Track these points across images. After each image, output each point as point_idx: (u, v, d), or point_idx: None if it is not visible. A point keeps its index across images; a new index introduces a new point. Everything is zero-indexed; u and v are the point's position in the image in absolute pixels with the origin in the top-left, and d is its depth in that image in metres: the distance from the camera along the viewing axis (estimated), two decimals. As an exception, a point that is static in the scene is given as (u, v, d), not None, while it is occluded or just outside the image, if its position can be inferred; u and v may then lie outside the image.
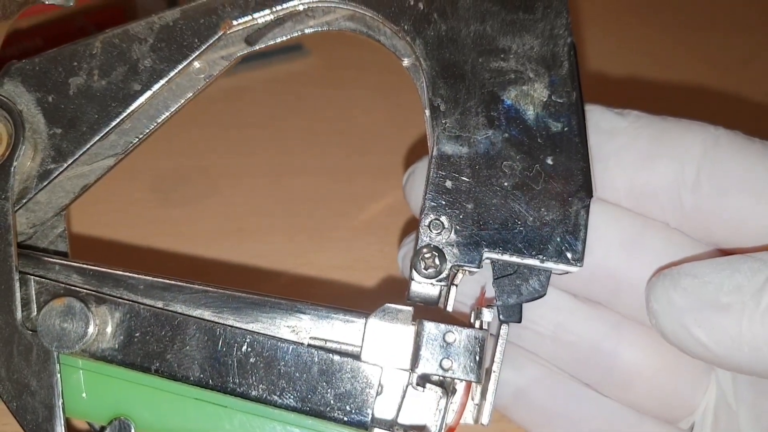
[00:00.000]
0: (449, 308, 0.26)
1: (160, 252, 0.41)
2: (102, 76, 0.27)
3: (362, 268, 0.41)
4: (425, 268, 0.24)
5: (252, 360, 0.25)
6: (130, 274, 0.26)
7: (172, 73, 0.27)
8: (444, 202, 0.25)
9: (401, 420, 0.24)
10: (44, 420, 0.25)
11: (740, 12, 0.61)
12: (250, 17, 0.27)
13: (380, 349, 0.24)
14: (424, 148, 0.26)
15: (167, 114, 0.28)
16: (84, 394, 0.25)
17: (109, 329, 0.25)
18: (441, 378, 0.24)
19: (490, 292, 0.25)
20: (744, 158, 0.25)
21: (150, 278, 0.26)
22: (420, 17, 0.26)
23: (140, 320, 0.25)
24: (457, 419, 0.25)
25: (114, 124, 0.27)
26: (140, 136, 0.28)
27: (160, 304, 0.26)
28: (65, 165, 0.27)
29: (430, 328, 0.24)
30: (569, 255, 0.24)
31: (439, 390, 0.24)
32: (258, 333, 0.25)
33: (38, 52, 0.27)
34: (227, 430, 0.24)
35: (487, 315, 0.25)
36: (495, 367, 0.25)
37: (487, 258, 0.25)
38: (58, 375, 0.25)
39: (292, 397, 0.24)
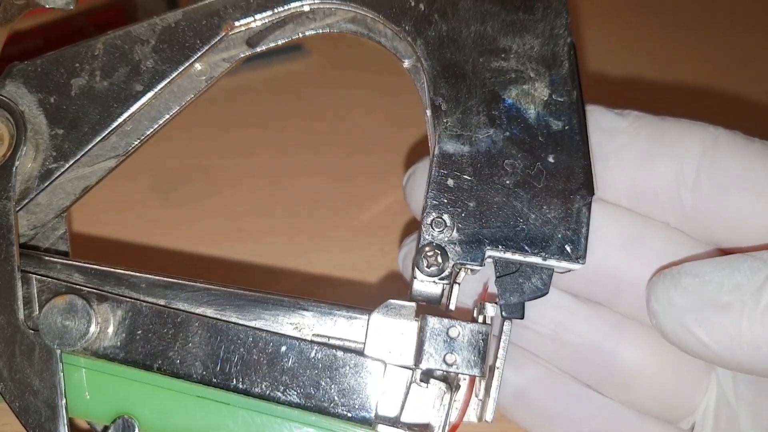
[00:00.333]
0: (452, 307, 0.26)
1: (160, 252, 0.41)
2: (104, 77, 0.27)
3: (363, 268, 0.41)
4: (428, 267, 0.24)
5: (255, 356, 0.24)
6: (132, 273, 0.26)
7: (174, 74, 0.27)
8: (446, 201, 0.25)
9: (405, 417, 0.24)
10: (47, 420, 0.24)
11: (740, 11, 0.61)
12: (251, 18, 0.27)
13: (384, 345, 0.24)
14: (425, 148, 0.26)
15: (168, 116, 0.28)
16: (87, 393, 0.25)
17: (111, 327, 0.25)
18: (445, 373, 0.24)
19: (493, 288, 0.25)
20: (743, 157, 0.25)
21: (152, 277, 0.26)
22: (421, 18, 0.26)
23: (142, 318, 0.25)
24: (461, 416, 0.25)
25: (116, 124, 0.27)
26: (141, 138, 0.28)
27: (162, 302, 0.26)
28: (67, 165, 0.27)
29: (434, 323, 0.24)
30: (571, 252, 0.24)
31: (443, 385, 0.24)
32: (261, 329, 0.25)
33: (39, 53, 0.27)
34: (231, 428, 0.24)
35: (491, 310, 0.25)
36: (498, 363, 0.25)
37: (489, 256, 0.25)
38: (61, 374, 0.25)
39: (295, 393, 0.24)
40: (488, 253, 0.25)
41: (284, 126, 0.49)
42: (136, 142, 0.28)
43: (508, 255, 0.25)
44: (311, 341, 0.25)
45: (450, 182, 0.25)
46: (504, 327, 0.25)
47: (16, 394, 0.25)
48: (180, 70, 0.27)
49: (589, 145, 0.25)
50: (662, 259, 0.26)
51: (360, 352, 0.25)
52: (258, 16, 0.27)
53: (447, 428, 0.24)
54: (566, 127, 0.25)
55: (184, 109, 0.29)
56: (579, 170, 0.25)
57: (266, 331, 0.25)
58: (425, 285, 0.25)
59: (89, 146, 0.27)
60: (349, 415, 0.24)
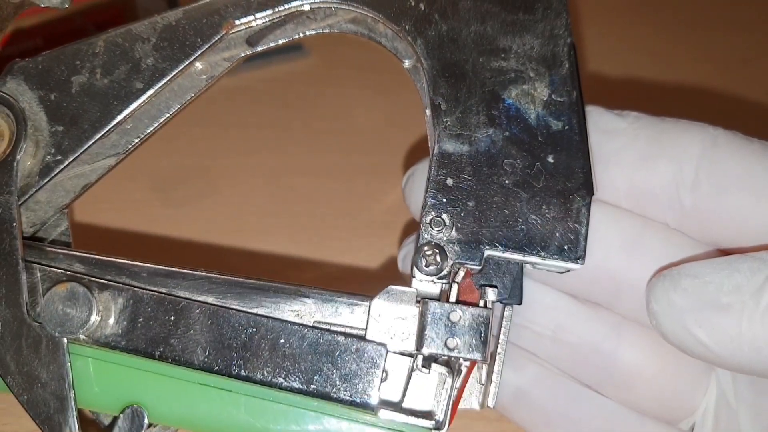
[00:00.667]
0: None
1: (160, 252, 0.41)
2: (104, 75, 0.27)
3: (363, 268, 0.41)
4: (426, 266, 0.24)
5: (256, 342, 0.24)
6: (133, 263, 0.26)
7: (174, 72, 0.27)
8: (445, 200, 0.25)
9: (407, 402, 0.24)
10: (56, 411, 0.24)
11: (740, 11, 0.61)
12: (252, 17, 0.27)
13: (385, 330, 0.24)
14: (424, 148, 0.26)
15: (168, 114, 0.29)
16: (94, 384, 0.25)
17: (112, 315, 0.25)
18: (446, 358, 0.24)
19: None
20: (742, 158, 0.25)
21: (153, 266, 0.26)
22: (421, 18, 0.26)
23: (143, 305, 0.25)
24: (458, 396, 0.25)
25: (116, 122, 0.27)
26: (141, 136, 0.29)
27: (163, 291, 0.26)
28: (66, 162, 0.27)
29: (435, 307, 0.24)
30: (571, 252, 0.24)
31: (444, 370, 0.24)
32: (262, 316, 0.25)
33: (38, 51, 0.27)
34: (233, 415, 0.24)
35: (491, 294, 0.25)
36: (500, 349, 0.25)
37: (488, 255, 0.25)
38: (68, 364, 0.25)
39: (297, 378, 0.24)
40: (487, 252, 0.25)
41: (284, 126, 0.49)
42: (136, 141, 0.28)
43: (507, 254, 0.25)
44: (313, 327, 0.25)
45: (449, 181, 0.25)
46: (505, 313, 0.25)
47: (24, 387, 0.25)
48: (180, 68, 0.27)
49: (589, 144, 0.25)
50: (662, 260, 0.26)
51: (362, 338, 0.24)
52: (258, 15, 0.27)
53: (449, 413, 0.24)
54: (566, 128, 0.25)
55: (184, 109, 0.29)
56: (578, 170, 0.25)
57: (268, 317, 0.25)
58: (424, 284, 0.25)
59: (89, 143, 0.27)
60: (351, 400, 0.24)
